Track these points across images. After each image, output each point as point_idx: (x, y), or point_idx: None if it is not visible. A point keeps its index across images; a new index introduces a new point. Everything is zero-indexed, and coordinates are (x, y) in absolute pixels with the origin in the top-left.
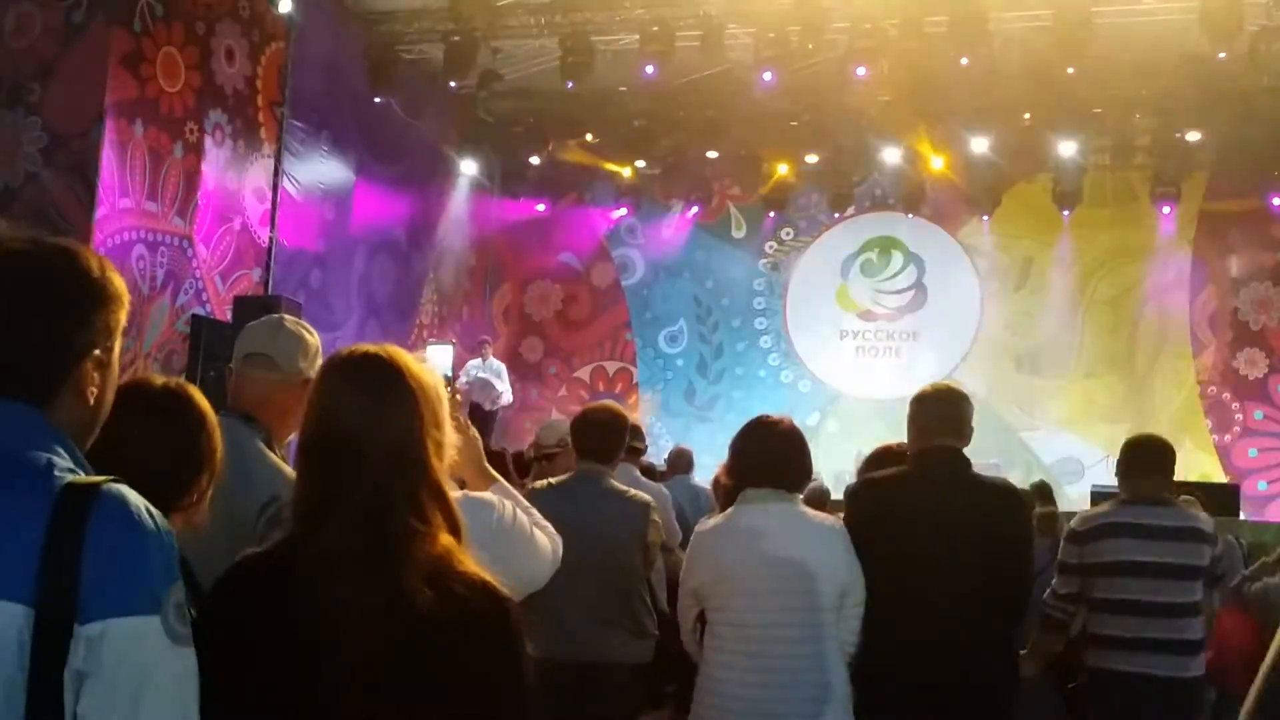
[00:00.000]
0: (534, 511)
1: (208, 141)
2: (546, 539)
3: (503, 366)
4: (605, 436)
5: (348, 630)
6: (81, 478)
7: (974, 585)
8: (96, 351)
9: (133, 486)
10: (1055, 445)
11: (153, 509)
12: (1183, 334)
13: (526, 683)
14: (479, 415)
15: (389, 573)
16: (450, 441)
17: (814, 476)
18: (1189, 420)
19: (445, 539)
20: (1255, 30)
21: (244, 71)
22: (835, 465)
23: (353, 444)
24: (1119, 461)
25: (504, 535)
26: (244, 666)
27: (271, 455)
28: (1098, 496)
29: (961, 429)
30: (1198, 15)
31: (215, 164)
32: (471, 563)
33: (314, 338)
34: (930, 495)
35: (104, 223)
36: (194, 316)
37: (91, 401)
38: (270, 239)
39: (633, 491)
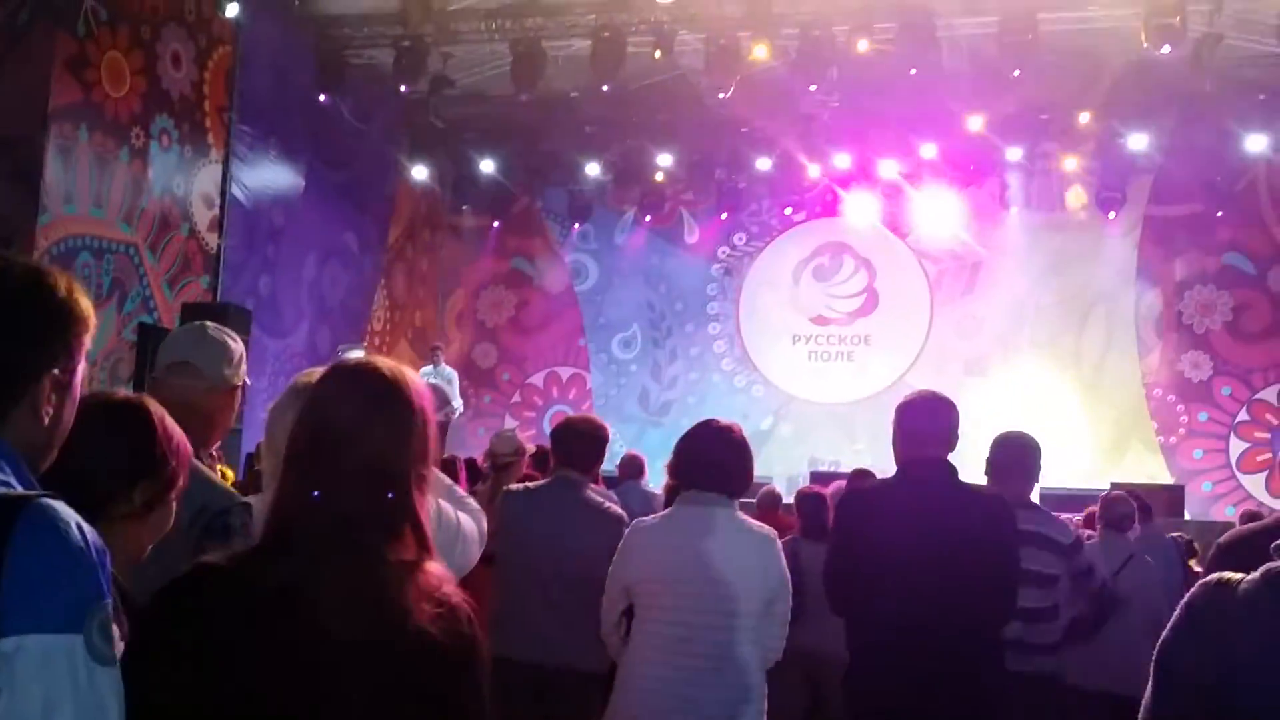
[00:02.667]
0: (456, 490)
1: (154, 147)
2: (470, 520)
3: (454, 374)
4: (585, 447)
5: (339, 657)
6: (12, 492)
7: (961, 593)
8: (55, 371)
9: (79, 493)
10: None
11: (84, 525)
12: (1129, 336)
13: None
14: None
15: (382, 600)
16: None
17: (769, 480)
18: (1136, 422)
19: (432, 565)
20: (1198, 36)
21: (190, 76)
22: (789, 469)
23: (341, 457)
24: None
25: (447, 537)
26: (205, 683)
27: (200, 465)
28: (1048, 498)
29: (948, 438)
30: (1142, 21)
31: (162, 170)
32: (450, 584)
33: (238, 344)
34: (918, 504)
35: (49, 229)
36: (141, 325)
37: (46, 421)
38: (219, 245)
39: (609, 505)
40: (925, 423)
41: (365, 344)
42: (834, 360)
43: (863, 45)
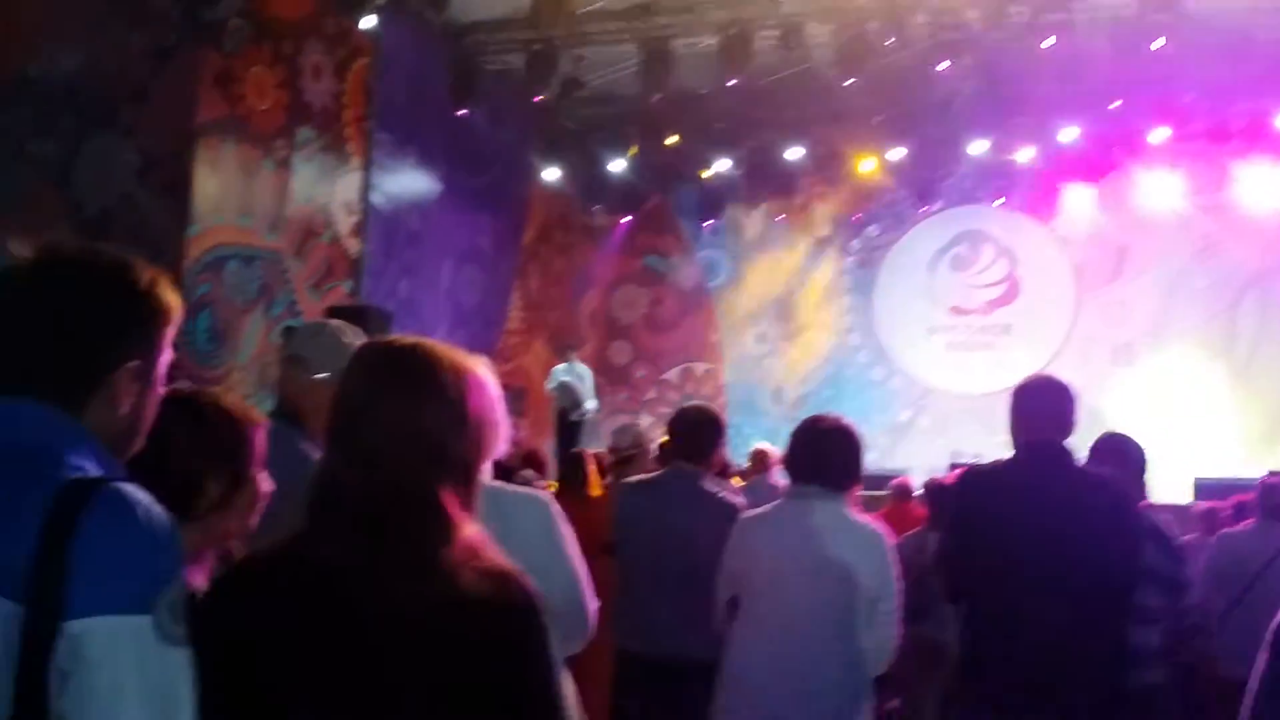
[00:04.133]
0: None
1: (297, 157)
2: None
3: (588, 371)
4: (697, 436)
5: (383, 636)
6: (87, 475)
7: (1074, 579)
8: (135, 363)
9: (167, 491)
10: (1156, 438)
11: (155, 507)
12: None
13: (556, 686)
14: (563, 422)
15: (415, 574)
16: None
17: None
18: None
19: (469, 531)
20: None
21: (331, 88)
22: (928, 461)
23: (360, 431)
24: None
25: (547, 541)
26: (260, 669)
27: (315, 455)
28: (1202, 488)
29: (1063, 422)
30: None
31: (305, 179)
32: (496, 553)
33: (354, 340)
34: (1034, 488)
35: (199, 240)
36: (287, 328)
37: (125, 410)
38: (360, 250)
39: (723, 494)
40: (1041, 407)
41: (500, 343)
42: (974, 350)
43: (995, 29)
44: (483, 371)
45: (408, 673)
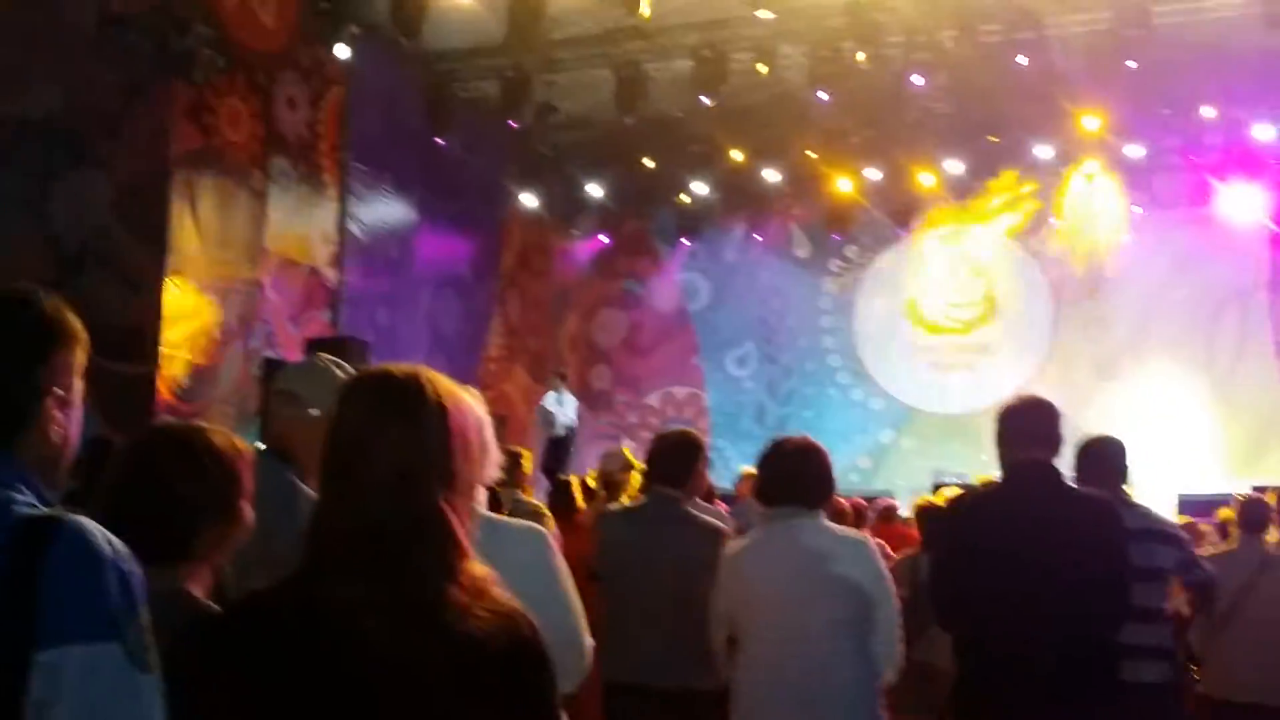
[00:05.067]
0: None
1: (273, 188)
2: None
3: (574, 401)
4: (676, 460)
5: (393, 677)
6: (42, 511)
7: (1073, 598)
8: (57, 390)
9: (169, 536)
10: (1138, 453)
11: (113, 539)
12: (1264, 335)
13: (558, 716)
14: (548, 446)
15: (424, 613)
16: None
17: (889, 494)
18: (1275, 423)
19: (475, 568)
20: None
21: (305, 118)
22: (912, 482)
23: (355, 466)
24: None
25: (546, 576)
26: (274, 712)
27: (307, 491)
28: (1185, 503)
29: (1051, 440)
30: (1261, 9)
31: (282, 209)
32: (502, 591)
33: (344, 372)
34: (1024, 510)
35: (175, 272)
36: (266, 360)
37: (55, 439)
38: (338, 280)
39: (705, 517)
40: (1027, 426)
41: (481, 370)
42: (954, 370)
43: (968, 48)
44: (472, 399)
45: (419, 715)
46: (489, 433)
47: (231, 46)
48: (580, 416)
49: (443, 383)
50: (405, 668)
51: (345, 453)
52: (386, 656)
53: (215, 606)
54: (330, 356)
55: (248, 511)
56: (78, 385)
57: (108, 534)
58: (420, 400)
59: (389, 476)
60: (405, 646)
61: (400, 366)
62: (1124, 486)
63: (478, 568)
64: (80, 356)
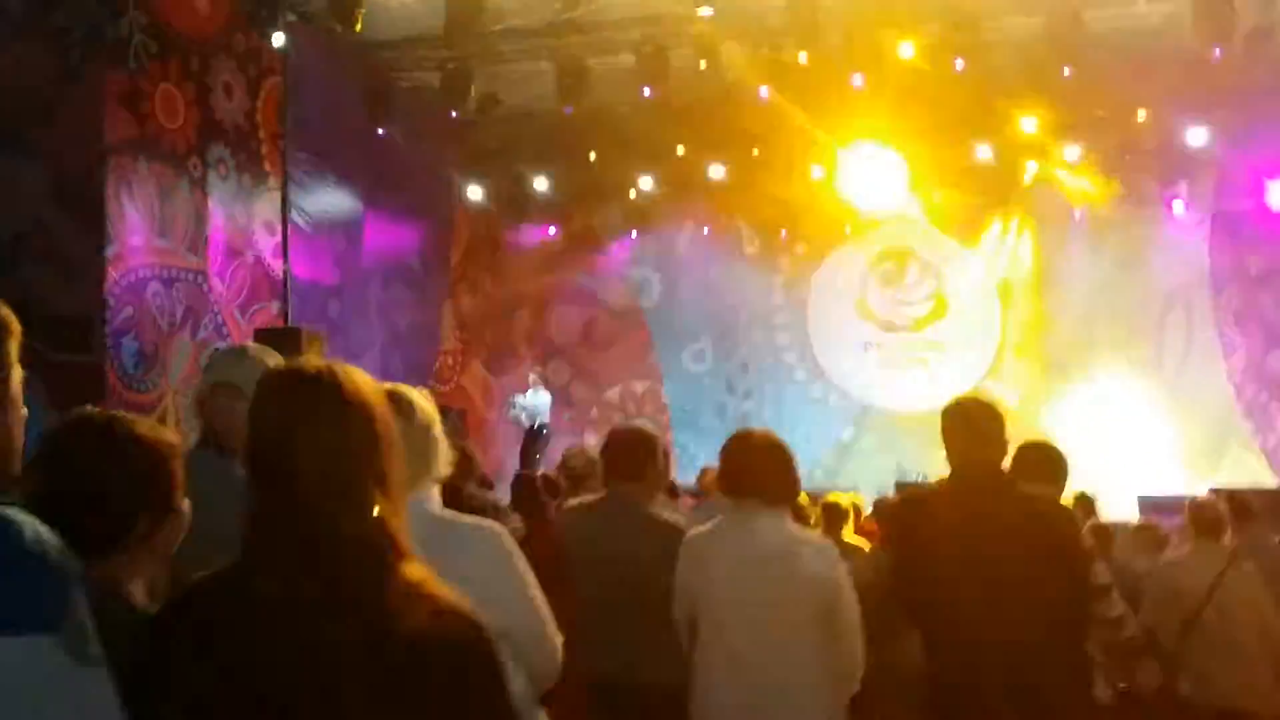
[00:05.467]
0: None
1: (212, 176)
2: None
3: (548, 397)
4: (632, 456)
5: (331, 673)
6: None
7: (1030, 597)
8: None
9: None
10: (1093, 453)
11: (46, 530)
12: (1209, 334)
13: (511, 714)
14: (528, 443)
15: (363, 609)
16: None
17: (854, 489)
18: (1228, 423)
19: (412, 567)
20: (1249, 29)
21: (243, 106)
22: (875, 480)
23: (283, 464)
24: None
25: (503, 572)
26: (200, 704)
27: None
28: (1145, 504)
29: (996, 441)
30: (1190, 15)
31: (222, 198)
32: (443, 588)
33: (276, 361)
34: (975, 508)
35: (116, 260)
36: (215, 351)
37: None
38: (284, 271)
39: (665, 514)
40: (971, 427)
41: (438, 363)
42: (908, 367)
43: (907, 48)
44: (422, 398)
45: (358, 711)
46: (438, 429)
47: (165, 32)
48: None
49: (360, 376)
50: (337, 666)
51: (270, 451)
52: (319, 654)
53: (146, 601)
54: (256, 344)
55: (182, 501)
56: (13, 376)
57: (39, 525)
58: (340, 395)
59: (317, 473)
60: (338, 644)
61: (313, 361)
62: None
63: (415, 567)
64: (12, 346)
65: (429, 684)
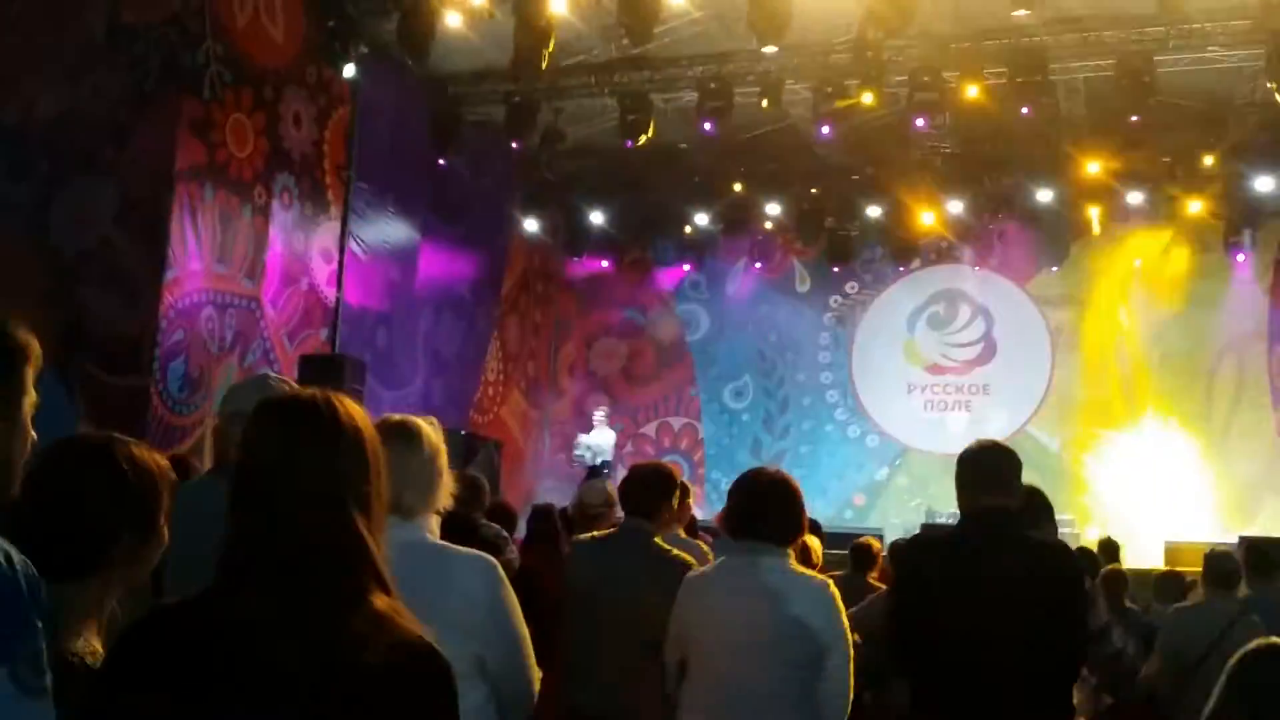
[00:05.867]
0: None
1: (275, 205)
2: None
3: (612, 435)
4: (652, 494)
5: (283, 699)
6: None
7: (1024, 647)
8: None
9: (80, 543)
10: (1130, 500)
11: (14, 555)
12: (1261, 386)
13: None
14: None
15: (322, 638)
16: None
17: (879, 531)
18: (1270, 475)
19: (381, 599)
20: None
21: (311, 136)
22: (905, 520)
23: (271, 488)
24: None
25: (491, 605)
26: None
27: None
28: (1171, 551)
29: (1009, 486)
30: (1264, 62)
31: (283, 226)
32: (410, 621)
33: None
34: (980, 556)
35: (174, 285)
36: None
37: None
38: (336, 299)
39: (675, 550)
40: (985, 472)
41: (479, 394)
42: (951, 410)
43: (973, 91)
44: (424, 426)
45: None
46: (443, 460)
47: (240, 61)
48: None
49: (353, 407)
50: (296, 693)
51: (258, 475)
52: (283, 678)
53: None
54: (279, 375)
55: (163, 529)
56: (28, 401)
57: (7, 548)
58: (333, 424)
59: (300, 499)
60: (301, 669)
61: (311, 390)
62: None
63: (383, 598)
64: (31, 373)
65: (380, 717)
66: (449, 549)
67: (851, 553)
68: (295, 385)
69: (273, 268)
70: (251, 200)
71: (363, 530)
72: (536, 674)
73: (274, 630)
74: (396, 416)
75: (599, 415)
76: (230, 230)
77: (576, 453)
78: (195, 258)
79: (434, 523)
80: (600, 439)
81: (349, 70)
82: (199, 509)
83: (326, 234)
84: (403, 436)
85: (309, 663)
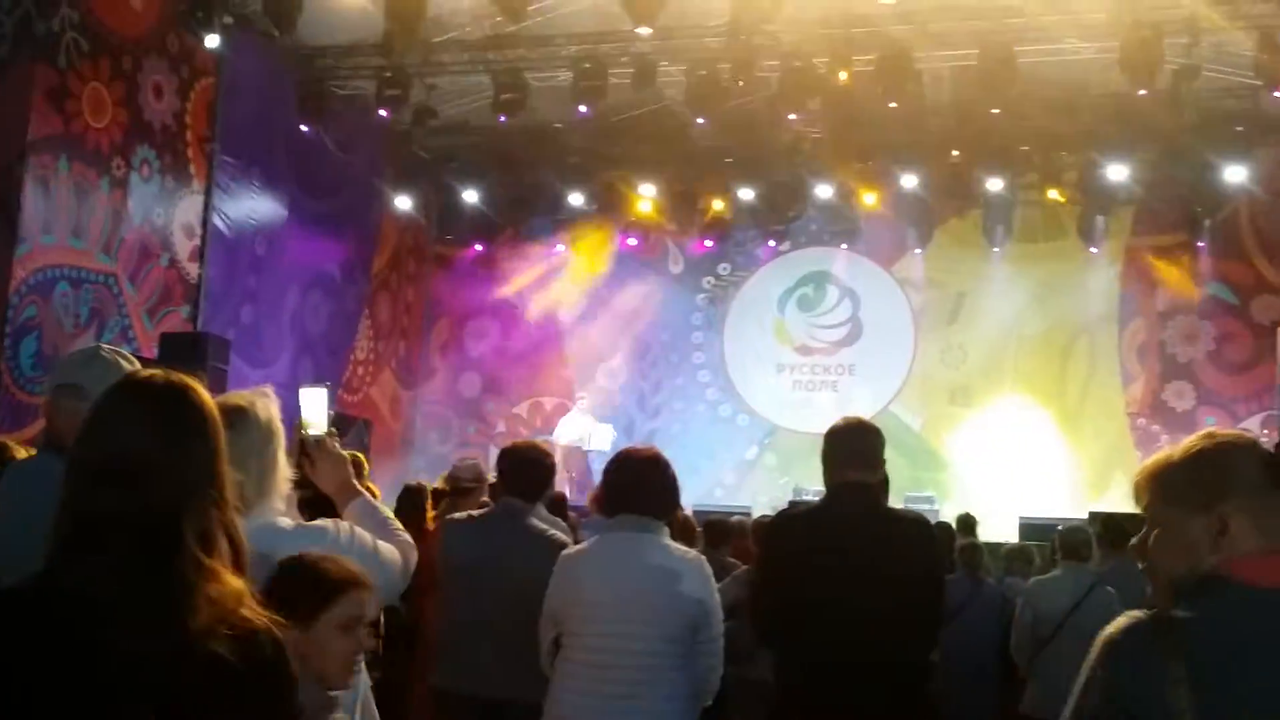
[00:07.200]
0: (389, 522)
1: (135, 177)
2: (394, 549)
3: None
4: (531, 474)
5: (132, 677)
6: None
7: (883, 617)
8: None
9: None
10: (988, 477)
11: None
12: (1112, 366)
13: None
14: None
15: (174, 616)
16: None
17: (747, 510)
18: (1120, 452)
19: (233, 581)
20: (1175, 68)
21: (172, 107)
22: (773, 498)
23: (130, 467)
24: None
25: (363, 562)
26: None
27: None
28: (1026, 527)
29: (872, 462)
30: (1118, 54)
31: (143, 200)
32: (257, 606)
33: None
34: (840, 529)
35: (26, 260)
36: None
37: None
38: (199, 275)
39: (551, 531)
40: (848, 448)
41: (348, 373)
42: (818, 390)
43: (843, 76)
44: (265, 399)
45: (135, 715)
46: (282, 443)
47: (97, 29)
48: (452, 426)
49: (203, 391)
50: (137, 673)
51: (100, 449)
52: (119, 660)
53: None
54: (113, 348)
55: None
56: None
57: None
58: (182, 408)
59: (139, 479)
60: (138, 652)
61: (163, 373)
62: None
63: (232, 582)
64: None
65: (218, 703)
66: (292, 525)
67: (705, 530)
68: (130, 358)
69: (131, 243)
70: (110, 173)
71: (213, 511)
72: (396, 556)
73: (115, 611)
74: (234, 395)
75: (582, 403)
76: (87, 204)
77: (566, 440)
78: (49, 232)
79: (280, 504)
80: (588, 429)
81: (212, 41)
82: (30, 487)
83: (189, 209)
84: (236, 417)
85: (153, 644)
